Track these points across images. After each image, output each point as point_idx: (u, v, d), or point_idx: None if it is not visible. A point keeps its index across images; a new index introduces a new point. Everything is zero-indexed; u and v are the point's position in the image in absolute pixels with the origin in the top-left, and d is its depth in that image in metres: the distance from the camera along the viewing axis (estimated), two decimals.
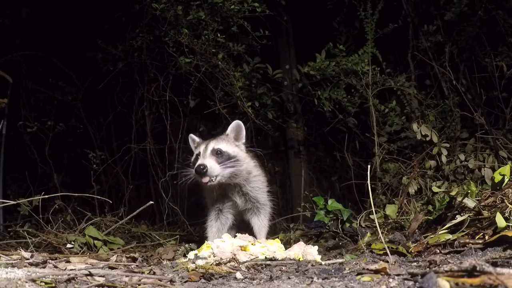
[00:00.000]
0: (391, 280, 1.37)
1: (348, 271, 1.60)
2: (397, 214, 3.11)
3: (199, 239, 2.75)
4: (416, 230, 2.31)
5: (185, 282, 1.60)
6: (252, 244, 2.13)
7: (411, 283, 1.30)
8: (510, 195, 2.03)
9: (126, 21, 4.63)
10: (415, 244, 2.05)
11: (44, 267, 1.77)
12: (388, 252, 1.79)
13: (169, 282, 1.55)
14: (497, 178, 2.20)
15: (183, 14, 3.88)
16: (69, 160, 5.66)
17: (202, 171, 2.40)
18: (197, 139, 2.74)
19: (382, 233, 2.28)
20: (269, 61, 4.38)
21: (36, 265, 1.78)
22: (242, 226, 2.82)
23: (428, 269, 1.39)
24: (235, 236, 2.22)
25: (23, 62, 5.24)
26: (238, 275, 1.68)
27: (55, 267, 1.79)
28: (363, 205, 3.70)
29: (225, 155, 2.52)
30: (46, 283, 1.42)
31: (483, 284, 1.09)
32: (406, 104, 4.04)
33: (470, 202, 2.14)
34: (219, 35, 3.95)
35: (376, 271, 1.46)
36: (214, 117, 4.51)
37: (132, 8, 4.29)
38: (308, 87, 4.33)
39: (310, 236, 3.23)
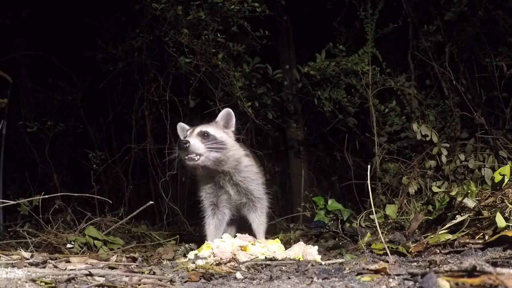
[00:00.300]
0: (391, 280, 1.37)
1: (348, 271, 1.60)
2: (397, 214, 3.11)
3: (199, 239, 2.74)
4: (416, 230, 2.31)
5: (185, 282, 1.60)
6: (252, 244, 2.13)
7: (411, 283, 1.30)
8: (510, 195, 2.03)
9: (126, 21, 4.63)
10: (415, 244, 2.05)
11: (44, 267, 1.77)
12: (388, 252, 1.79)
13: (169, 282, 1.55)
14: (497, 178, 2.20)
15: (183, 14, 3.88)
16: (69, 160, 5.66)
17: (184, 145, 2.38)
18: (186, 126, 2.71)
19: (382, 233, 2.28)
20: (269, 61, 4.38)
21: (36, 265, 1.78)
22: (242, 226, 2.81)
23: (428, 269, 1.39)
24: (235, 236, 2.22)
25: (23, 62, 5.25)
26: (238, 275, 1.68)
27: (55, 267, 1.79)
28: (363, 205, 3.70)
29: (212, 137, 2.49)
30: (46, 283, 1.42)
31: (483, 284, 1.09)
32: (406, 104, 4.04)
33: (470, 202, 2.14)
34: (219, 35, 3.95)
35: (376, 271, 1.46)
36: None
37: (132, 8, 4.29)
38: (308, 87, 4.33)
39: (310, 236, 3.23)
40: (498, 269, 1.10)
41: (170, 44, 4.04)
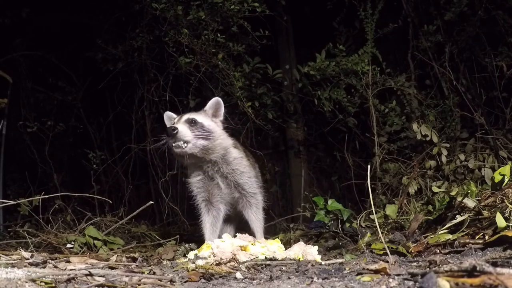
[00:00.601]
0: (391, 280, 1.37)
1: (348, 271, 1.60)
2: (397, 214, 3.11)
3: (199, 239, 2.74)
4: (416, 230, 2.31)
5: (185, 282, 1.60)
6: (252, 244, 2.13)
7: (411, 283, 1.30)
8: (510, 195, 2.03)
9: (126, 21, 4.64)
10: (415, 244, 2.05)
11: (44, 267, 1.77)
12: (388, 252, 1.79)
13: (169, 282, 1.55)
14: (497, 178, 2.20)
15: (183, 14, 3.88)
16: (69, 160, 5.67)
17: (173, 132, 2.37)
18: (174, 115, 2.68)
19: (382, 233, 2.28)
20: (269, 61, 4.38)
21: (36, 265, 1.78)
22: (242, 226, 2.80)
23: (428, 269, 1.39)
24: (235, 236, 2.22)
25: (23, 62, 5.25)
26: (238, 275, 1.68)
27: (55, 267, 1.79)
28: (363, 205, 3.70)
29: (199, 125, 2.48)
30: (46, 283, 1.42)
31: (483, 284, 1.09)
32: (406, 104, 4.04)
33: (470, 202, 2.14)
34: (219, 35, 3.95)
35: (376, 271, 1.46)
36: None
37: (132, 8, 4.30)
38: (308, 87, 4.33)
39: (310, 236, 3.23)
40: (498, 269, 1.10)
41: (170, 44, 4.04)
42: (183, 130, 2.41)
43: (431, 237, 2.06)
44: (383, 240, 1.85)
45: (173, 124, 2.49)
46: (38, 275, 1.46)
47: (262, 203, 2.71)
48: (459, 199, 2.21)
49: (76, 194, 3.21)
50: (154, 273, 1.74)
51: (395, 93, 4.10)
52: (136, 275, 1.60)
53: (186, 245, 2.77)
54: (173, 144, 2.41)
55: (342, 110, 4.22)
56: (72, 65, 5.38)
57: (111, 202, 3.69)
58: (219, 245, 2.01)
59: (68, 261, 2.02)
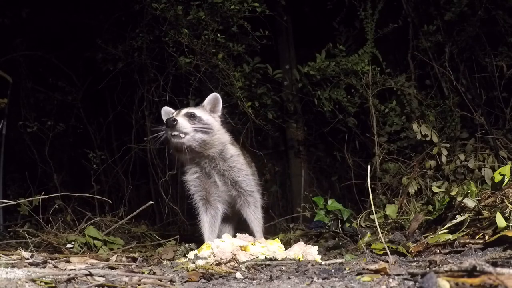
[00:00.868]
0: (391, 280, 1.37)
1: (348, 271, 1.60)
2: (397, 214, 3.11)
3: (199, 239, 2.74)
4: (416, 230, 2.31)
5: (185, 282, 1.60)
6: (252, 244, 2.13)
7: (411, 283, 1.30)
8: (510, 195, 2.03)
9: (126, 21, 4.64)
10: (415, 244, 2.05)
11: (44, 267, 1.77)
12: (388, 252, 1.79)
13: (169, 282, 1.55)
14: (497, 178, 2.20)
15: (183, 14, 3.88)
16: (69, 160, 5.67)
17: (172, 123, 2.37)
18: (172, 110, 2.67)
19: (382, 233, 2.28)
20: (269, 61, 4.38)
21: (36, 265, 1.78)
22: (241, 226, 2.80)
23: (428, 269, 1.39)
24: (235, 236, 2.22)
25: (23, 62, 5.25)
26: (238, 275, 1.68)
27: (55, 267, 1.79)
28: (363, 205, 3.70)
29: (198, 119, 2.48)
30: (46, 283, 1.42)
31: (483, 284, 1.09)
32: (406, 104, 4.04)
33: (470, 202, 2.14)
34: (219, 35, 3.95)
35: (376, 271, 1.46)
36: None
37: (132, 8, 4.30)
38: (308, 87, 4.33)
39: (310, 236, 3.23)
40: (498, 269, 1.10)
41: (170, 44, 4.04)
42: (183, 122, 2.42)
43: (431, 237, 2.06)
44: (383, 240, 1.85)
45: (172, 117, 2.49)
46: (38, 275, 1.46)
47: (261, 201, 2.70)
48: (459, 199, 2.21)
49: (76, 194, 3.20)
50: (154, 273, 1.74)
51: (395, 93, 4.10)
52: (136, 275, 1.60)
53: (186, 245, 2.77)
54: (172, 134, 2.41)
55: (342, 110, 4.22)
56: (72, 65, 5.38)
57: (111, 202, 3.69)
58: (219, 245, 2.01)
59: (68, 261, 2.02)
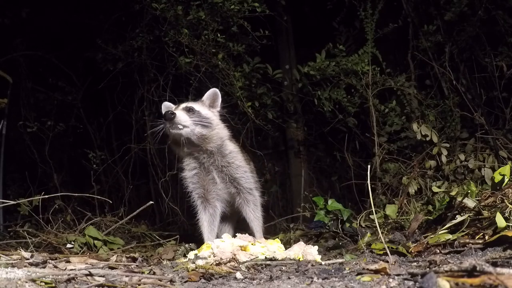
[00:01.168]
0: (391, 280, 1.37)
1: (348, 271, 1.60)
2: (397, 214, 3.11)
3: (199, 239, 2.73)
4: (416, 230, 2.31)
5: (185, 282, 1.60)
6: (252, 244, 2.13)
7: (411, 283, 1.30)
8: (510, 195, 2.03)
9: (126, 21, 4.64)
10: (415, 244, 2.05)
11: (44, 267, 1.77)
12: (388, 252, 1.79)
13: (169, 282, 1.55)
14: (497, 178, 2.20)
15: (183, 14, 3.88)
16: (69, 160, 5.67)
17: (171, 116, 2.38)
18: (171, 105, 2.67)
19: (382, 233, 2.28)
20: (269, 61, 4.38)
21: (36, 265, 1.78)
22: (241, 226, 2.80)
23: (428, 269, 1.39)
24: (235, 236, 2.22)
25: (23, 62, 5.25)
26: (238, 275, 1.68)
27: (55, 267, 1.79)
28: (363, 205, 3.70)
29: (197, 113, 2.49)
30: (46, 283, 1.42)
31: (483, 284, 1.09)
32: (406, 104, 4.04)
33: (470, 202, 2.14)
34: (219, 35, 3.96)
35: (376, 271, 1.46)
36: None
37: (132, 8, 4.30)
38: (308, 87, 4.33)
39: (310, 236, 3.23)
40: (498, 269, 1.10)
41: (170, 44, 4.04)
42: (181, 115, 2.42)
43: (431, 237, 2.06)
44: (383, 240, 1.85)
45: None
46: (38, 275, 1.46)
47: (260, 200, 2.68)
48: (459, 199, 2.21)
49: (76, 194, 3.21)
50: (154, 273, 1.74)
51: (395, 93, 4.10)
52: (136, 275, 1.60)
53: (186, 245, 2.77)
54: (170, 127, 2.41)
55: (342, 110, 4.23)
56: (72, 65, 5.38)
57: (111, 202, 3.69)
58: (219, 245, 2.01)
59: (68, 261, 2.02)
